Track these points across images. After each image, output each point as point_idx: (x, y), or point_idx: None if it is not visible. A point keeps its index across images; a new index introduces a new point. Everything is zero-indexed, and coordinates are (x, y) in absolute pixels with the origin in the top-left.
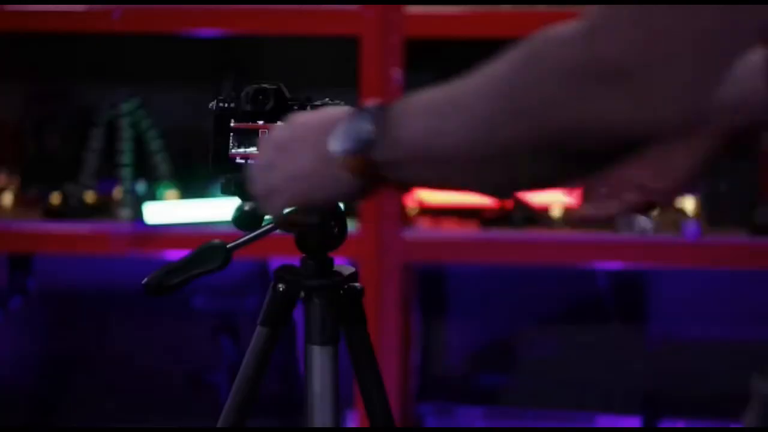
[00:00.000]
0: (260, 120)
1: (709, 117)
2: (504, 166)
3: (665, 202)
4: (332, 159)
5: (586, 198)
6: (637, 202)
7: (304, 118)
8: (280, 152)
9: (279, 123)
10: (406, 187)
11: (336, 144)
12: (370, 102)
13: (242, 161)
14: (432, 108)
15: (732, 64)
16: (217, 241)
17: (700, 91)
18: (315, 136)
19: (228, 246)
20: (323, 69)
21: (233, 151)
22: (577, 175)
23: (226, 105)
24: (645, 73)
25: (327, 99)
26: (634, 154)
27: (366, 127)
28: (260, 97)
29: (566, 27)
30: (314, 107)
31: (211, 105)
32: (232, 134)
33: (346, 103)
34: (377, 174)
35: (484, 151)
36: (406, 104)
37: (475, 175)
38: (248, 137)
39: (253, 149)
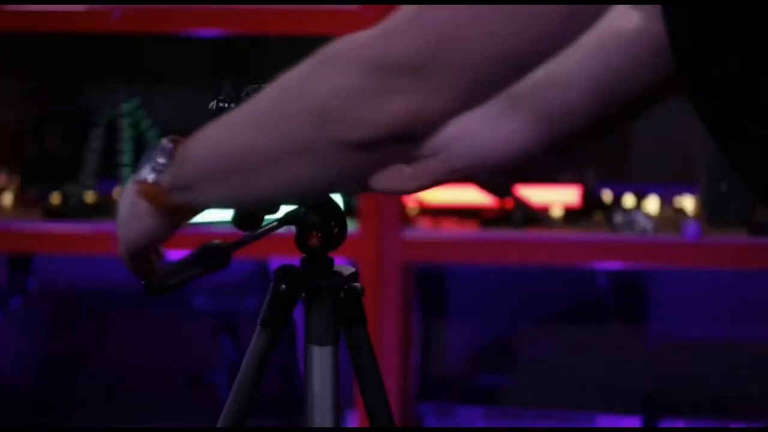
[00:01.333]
0: None
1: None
2: (298, 166)
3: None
4: (135, 197)
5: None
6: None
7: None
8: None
9: None
10: (203, 209)
11: (135, 178)
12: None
13: None
14: (221, 122)
15: (529, 69)
16: (217, 241)
17: (479, 96)
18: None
19: (228, 246)
20: None
21: None
22: (376, 167)
23: (226, 105)
24: (431, 71)
25: None
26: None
27: (159, 156)
28: None
29: (365, 31)
30: None
31: (211, 105)
32: None
33: None
34: (172, 200)
35: (272, 150)
36: (201, 130)
37: (270, 179)
38: None
39: None
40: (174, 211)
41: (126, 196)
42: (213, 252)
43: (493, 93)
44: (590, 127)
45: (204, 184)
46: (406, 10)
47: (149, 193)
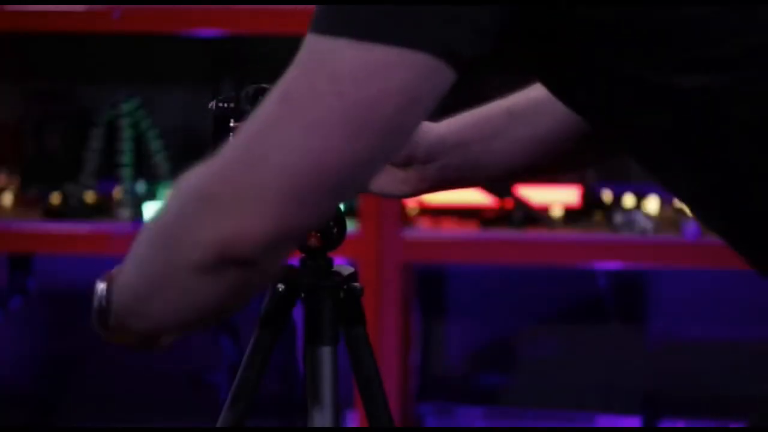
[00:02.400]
0: None
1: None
2: (166, 297)
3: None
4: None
5: None
6: None
7: None
8: None
9: None
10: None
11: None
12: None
13: None
14: (125, 266)
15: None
16: None
17: (296, 218)
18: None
19: None
20: None
21: None
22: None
23: (226, 105)
24: (242, 197)
25: None
26: None
27: (102, 301)
28: (260, 97)
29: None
30: None
31: (210, 105)
32: (232, 134)
33: None
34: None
35: (147, 285)
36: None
37: (162, 311)
38: None
39: None
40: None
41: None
42: None
43: (328, 207)
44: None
45: (127, 322)
46: (236, 135)
47: (109, 338)
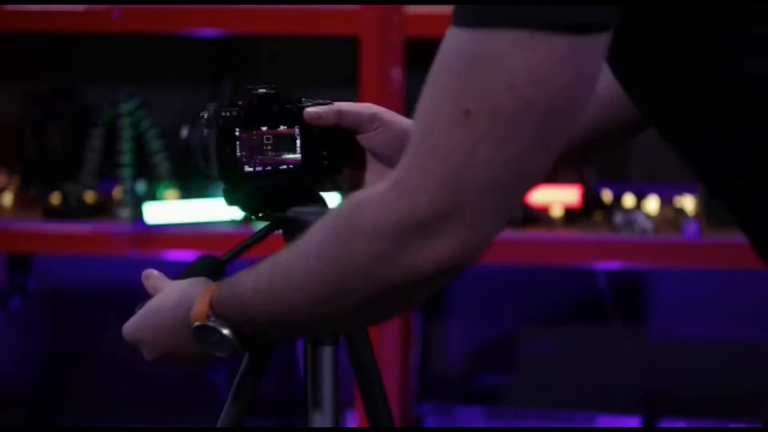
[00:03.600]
0: (264, 126)
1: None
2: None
3: None
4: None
5: None
6: None
7: (156, 313)
8: (139, 341)
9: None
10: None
11: (206, 356)
12: (198, 310)
13: (251, 170)
14: (267, 300)
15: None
16: (210, 256)
17: (507, 216)
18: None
19: (221, 260)
20: (323, 69)
21: (244, 161)
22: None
23: (229, 114)
24: (457, 221)
25: (318, 100)
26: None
27: (221, 341)
28: (266, 105)
29: (379, 190)
30: (304, 107)
31: (207, 114)
32: (238, 143)
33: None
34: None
35: (327, 317)
36: (242, 301)
37: (324, 325)
38: (253, 145)
39: (260, 156)
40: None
41: (174, 332)
42: (207, 265)
43: (521, 195)
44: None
45: (268, 332)
46: (408, 158)
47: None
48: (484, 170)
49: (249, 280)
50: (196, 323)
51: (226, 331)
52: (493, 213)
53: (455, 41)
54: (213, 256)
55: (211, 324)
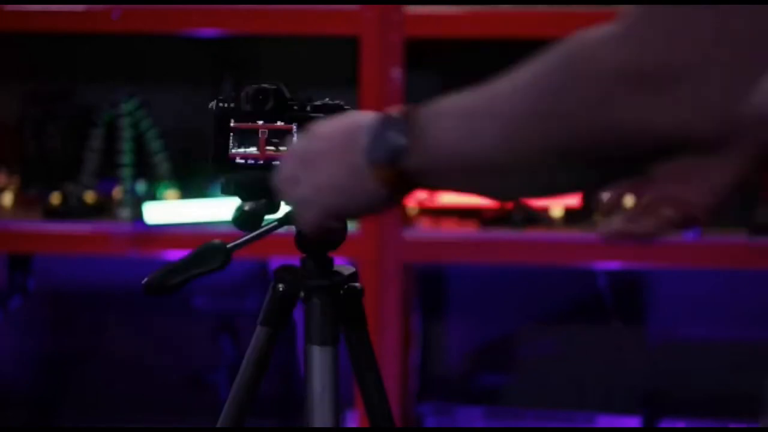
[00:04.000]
0: (260, 120)
1: (746, 128)
2: (535, 172)
3: (704, 218)
4: (361, 170)
5: (623, 214)
6: (675, 219)
7: (326, 128)
8: (303, 165)
9: (294, 131)
10: (434, 191)
11: (366, 155)
12: (397, 108)
13: (242, 161)
14: (463, 114)
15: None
16: (217, 241)
17: (738, 97)
18: (340, 146)
19: (228, 246)
20: (323, 69)
21: (233, 151)
22: (603, 183)
23: (226, 105)
24: (687, 78)
25: (327, 99)
26: (668, 165)
27: (396, 136)
28: (260, 97)
29: (603, 29)
30: (315, 107)
31: (211, 105)
32: (232, 134)
33: (346, 103)
34: (408, 183)
35: (518, 155)
36: (435, 110)
37: (505, 181)
38: (248, 137)
39: (252, 149)
40: (406, 191)
41: (328, 156)
42: (213, 252)
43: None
44: None
45: (445, 175)
46: (636, 12)
47: (388, 178)
48: (737, 38)
49: (450, 100)
50: (380, 118)
51: (401, 141)
52: (738, 83)
53: None
54: (220, 242)
55: (394, 118)
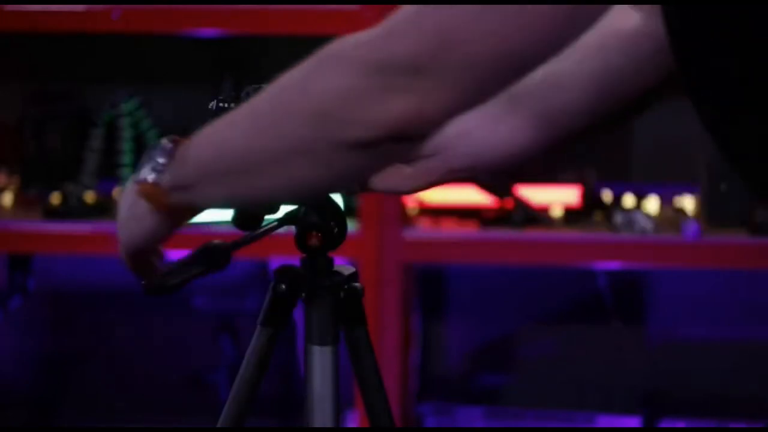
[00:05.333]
0: None
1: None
2: (297, 167)
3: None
4: (135, 197)
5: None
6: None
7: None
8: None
9: None
10: (201, 207)
11: (135, 178)
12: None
13: None
14: (221, 122)
15: (527, 69)
16: (217, 240)
17: (477, 99)
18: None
19: (228, 245)
20: None
21: None
22: (367, 167)
23: (226, 105)
24: (431, 71)
25: None
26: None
27: (157, 155)
28: None
29: (365, 31)
30: None
31: (211, 105)
32: None
33: None
34: (172, 200)
35: (272, 150)
36: (201, 130)
37: (270, 180)
38: None
39: None
40: (174, 211)
41: (126, 196)
42: (213, 252)
43: (495, 92)
44: (590, 126)
45: (204, 184)
46: (405, 10)
47: (149, 193)
48: (477, 42)
49: (214, 123)
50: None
51: (161, 160)
52: (464, 88)
53: None
54: (219, 242)
55: (166, 142)
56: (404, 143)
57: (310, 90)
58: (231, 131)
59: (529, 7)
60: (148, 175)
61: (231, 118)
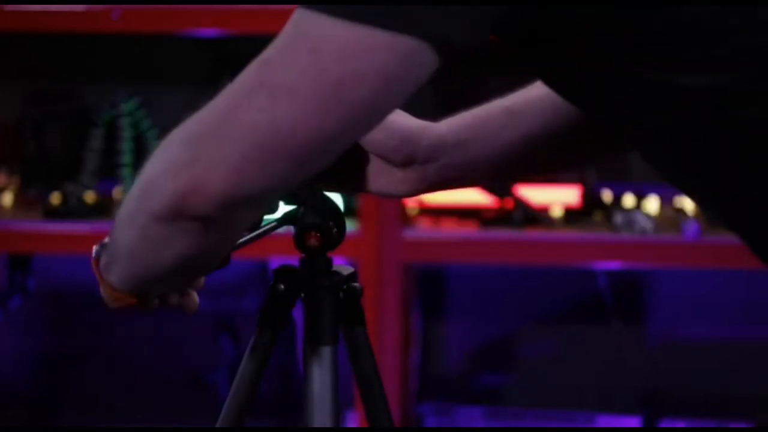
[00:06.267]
0: None
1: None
2: (145, 247)
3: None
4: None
5: None
6: None
7: None
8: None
9: None
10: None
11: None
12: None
13: None
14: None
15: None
16: None
17: (281, 177)
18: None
19: None
20: None
21: None
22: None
23: None
24: (207, 149)
25: None
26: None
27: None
28: None
29: (161, 172)
30: None
31: None
32: None
33: None
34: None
35: (130, 236)
36: None
37: (146, 261)
38: None
39: None
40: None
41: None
42: None
43: (292, 175)
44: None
45: (113, 266)
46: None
47: (94, 269)
48: (247, 118)
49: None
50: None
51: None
52: (242, 166)
53: (290, 19)
54: None
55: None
56: (202, 224)
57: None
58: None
59: (292, 91)
60: (96, 249)
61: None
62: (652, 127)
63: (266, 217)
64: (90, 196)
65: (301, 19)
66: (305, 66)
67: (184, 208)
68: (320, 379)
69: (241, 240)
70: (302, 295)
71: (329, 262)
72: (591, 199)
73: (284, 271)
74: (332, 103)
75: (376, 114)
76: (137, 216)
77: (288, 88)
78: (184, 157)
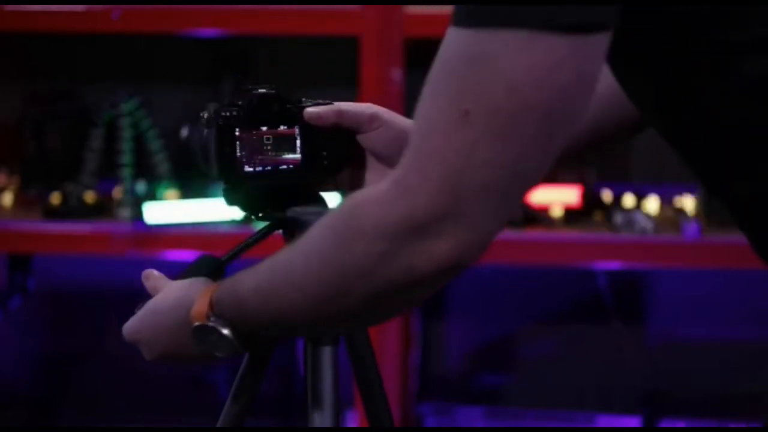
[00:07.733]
0: (264, 126)
1: None
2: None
3: None
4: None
5: None
6: None
7: (155, 313)
8: (139, 341)
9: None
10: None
11: (200, 360)
12: (201, 303)
13: (251, 170)
14: (266, 299)
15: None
16: (210, 256)
17: (506, 216)
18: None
19: (221, 260)
20: (323, 69)
21: (244, 161)
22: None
23: (229, 114)
24: (456, 221)
25: (319, 100)
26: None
27: (220, 341)
28: (266, 105)
29: (378, 189)
30: (304, 107)
31: (207, 113)
32: (238, 143)
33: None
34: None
35: (327, 318)
36: (238, 298)
37: (322, 326)
38: (250, 145)
39: (260, 157)
40: None
41: (174, 335)
42: (207, 265)
43: (520, 195)
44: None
45: (267, 332)
46: (408, 159)
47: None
48: (483, 171)
49: (249, 280)
50: (196, 323)
51: (225, 331)
52: (492, 213)
53: (454, 42)
54: (213, 256)
55: (211, 324)
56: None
57: (348, 263)
58: (286, 304)
59: (511, 138)
60: (212, 351)
61: (272, 282)
62: (727, 112)
63: (259, 223)
64: (90, 196)
65: (474, 48)
66: (509, 108)
67: (454, 268)
68: (320, 379)
69: (234, 251)
70: None
71: None
72: (591, 199)
73: None
74: (546, 130)
75: (582, 113)
76: (353, 307)
77: (504, 136)
78: (428, 234)
